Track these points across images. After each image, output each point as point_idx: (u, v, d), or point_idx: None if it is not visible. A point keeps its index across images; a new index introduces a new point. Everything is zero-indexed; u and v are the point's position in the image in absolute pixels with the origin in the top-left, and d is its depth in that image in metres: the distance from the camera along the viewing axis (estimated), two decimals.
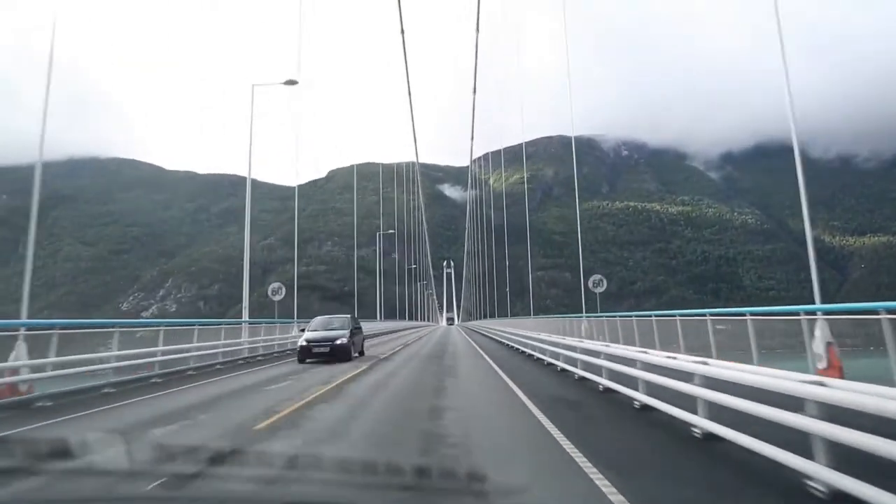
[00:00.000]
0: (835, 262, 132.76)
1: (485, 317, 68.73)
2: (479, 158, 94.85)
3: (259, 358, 21.50)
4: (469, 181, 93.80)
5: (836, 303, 12.56)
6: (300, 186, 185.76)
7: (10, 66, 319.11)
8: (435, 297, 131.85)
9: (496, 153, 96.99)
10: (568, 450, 6.04)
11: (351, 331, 19.81)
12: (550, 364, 15.12)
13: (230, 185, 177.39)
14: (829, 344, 8.38)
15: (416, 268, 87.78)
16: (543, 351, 16.47)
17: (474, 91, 58.49)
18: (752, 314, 9.66)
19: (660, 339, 12.38)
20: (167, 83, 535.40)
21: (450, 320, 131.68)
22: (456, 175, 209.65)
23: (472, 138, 67.01)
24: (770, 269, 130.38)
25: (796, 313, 8.69)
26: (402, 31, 52.20)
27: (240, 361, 20.09)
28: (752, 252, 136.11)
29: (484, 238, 68.39)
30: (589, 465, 5.32)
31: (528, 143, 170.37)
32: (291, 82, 27.82)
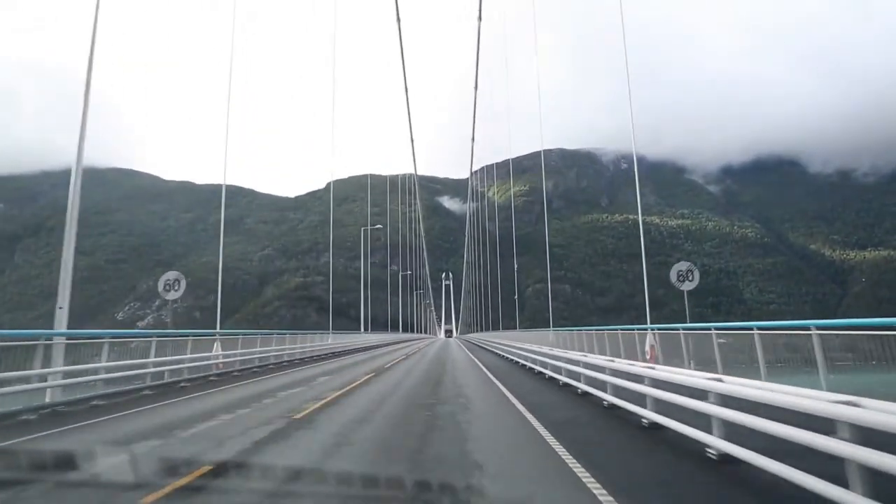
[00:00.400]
0: (835, 276, 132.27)
1: (485, 329, 67.59)
2: (480, 171, 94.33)
3: None
4: (469, 191, 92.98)
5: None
6: (300, 197, 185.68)
7: (9, 77, 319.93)
8: (433, 308, 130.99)
9: (495, 165, 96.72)
10: None
11: None
12: (657, 427, 8.12)
13: (227, 196, 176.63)
14: None
15: (409, 274, 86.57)
16: (600, 385, 11.05)
17: (475, 87, 57.13)
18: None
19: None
20: (166, 93, 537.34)
21: (448, 332, 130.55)
22: (455, 187, 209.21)
23: (473, 139, 65.56)
24: (771, 283, 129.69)
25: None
26: (399, 26, 51.21)
27: None
28: (752, 265, 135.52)
29: (486, 250, 67.50)
30: None
31: (527, 157, 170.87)
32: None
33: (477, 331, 76.71)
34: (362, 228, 57.30)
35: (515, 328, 53.65)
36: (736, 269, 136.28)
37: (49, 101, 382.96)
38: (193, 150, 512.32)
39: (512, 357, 25.61)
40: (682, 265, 20.10)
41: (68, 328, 13.19)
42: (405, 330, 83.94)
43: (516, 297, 48.11)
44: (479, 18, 53.64)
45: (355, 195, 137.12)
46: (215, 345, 19.49)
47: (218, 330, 22.07)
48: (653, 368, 8.69)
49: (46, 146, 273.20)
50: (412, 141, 67.41)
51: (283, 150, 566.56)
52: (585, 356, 13.20)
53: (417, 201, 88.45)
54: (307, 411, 10.46)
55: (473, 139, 67.20)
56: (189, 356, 17.30)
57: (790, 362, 8.48)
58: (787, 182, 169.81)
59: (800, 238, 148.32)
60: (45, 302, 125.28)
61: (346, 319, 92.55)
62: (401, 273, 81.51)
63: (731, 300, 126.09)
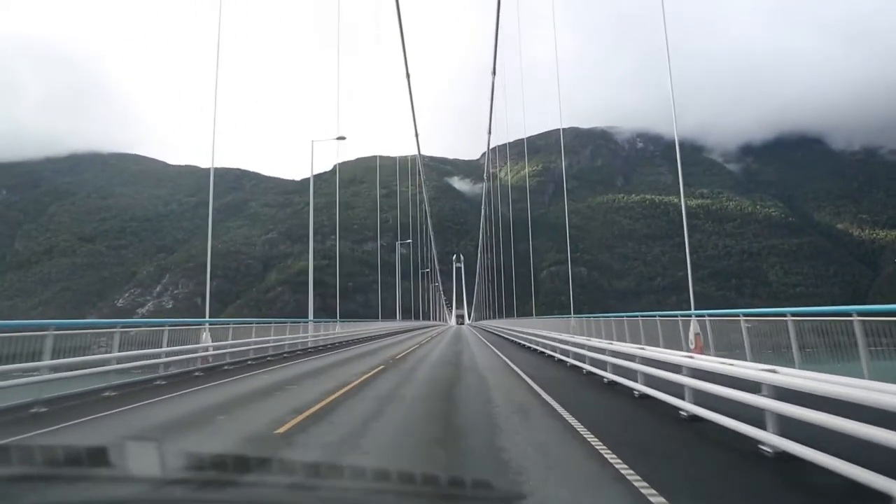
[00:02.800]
0: (865, 256, 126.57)
1: (500, 315, 63.14)
2: (491, 151, 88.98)
3: None
4: (486, 172, 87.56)
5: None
6: (304, 180, 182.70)
7: (11, 62, 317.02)
8: (442, 292, 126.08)
9: (508, 146, 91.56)
10: None
11: None
12: (789, 459, 5.39)
13: (233, 179, 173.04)
14: None
15: (419, 257, 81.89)
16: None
17: (493, 71, 51.63)
18: None
19: None
20: (172, 77, 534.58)
21: (459, 318, 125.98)
22: (465, 168, 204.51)
23: (491, 117, 60.09)
24: (797, 265, 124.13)
25: None
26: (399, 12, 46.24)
27: None
28: (776, 246, 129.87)
29: (498, 232, 62.74)
30: None
31: (540, 136, 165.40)
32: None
33: (490, 317, 72.24)
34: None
35: (532, 314, 49.18)
36: (759, 251, 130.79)
37: (52, 88, 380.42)
38: (199, 133, 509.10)
39: (544, 350, 21.50)
40: None
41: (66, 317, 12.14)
42: (415, 317, 79.46)
43: (532, 280, 43.46)
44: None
45: (363, 177, 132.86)
46: (204, 335, 16.80)
47: (207, 318, 19.80)
48: (774, 373, 5.95)
49: (49, 132, 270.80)
50: (412, 110, 61.96)
51: (289, 133, 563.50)
52: (643, 349, 10.33)
53: (420, 171, 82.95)
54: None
55: (491, 117, 61.65)
56: (166, 349, 14.41)
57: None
58: (810, 160, 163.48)
59: (826, 217, 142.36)
60: (45, 289, 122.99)
61: (354, 304, 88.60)
62: (411, 256, 76.80)
63: (756, 282, 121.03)
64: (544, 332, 22.15)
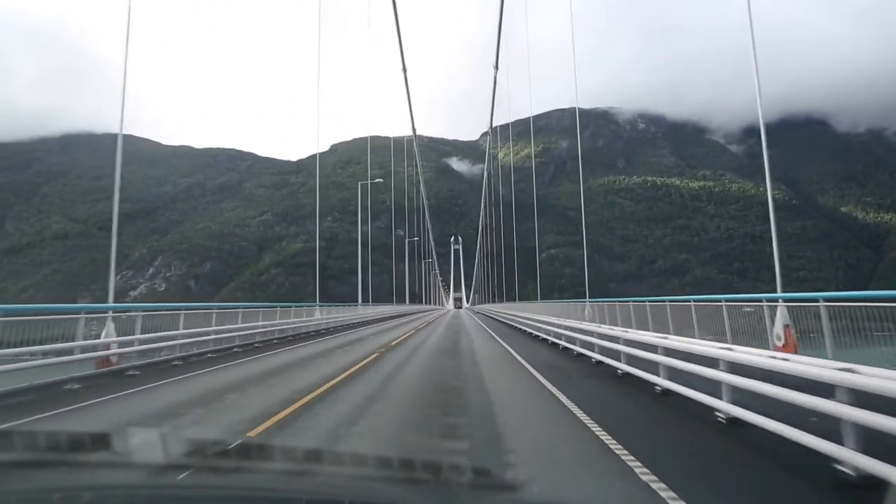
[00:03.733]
0: (869, 240, 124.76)
1: (499, 299, 61.23)
2: (492, 131, 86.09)
3: None
4: (489, 142, 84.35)
5: None
6: (302, 161, 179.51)
7: (3, 40, 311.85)
8: (438, 274, 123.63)
9: (515, 124, 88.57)
10: None
11: None
12: None
13: (228, 160, 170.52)
14: None
15: (416, 239, 79.14)
16: None
17: (497, 45, 48.98)
18: None
19: None
20: (168, 56, 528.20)
21: (457, 301, 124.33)
22: (464, 149, 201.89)
23: (495, 80, 56.79)
24: (800, 248, 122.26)
25: None
26: None
27: None
28: (780, 229, 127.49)
29: (497, 214, 60.62)
30: None
31: (541, 116, 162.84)
32: None
33: (490, 301, 70.36)
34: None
35: (530, 298, 47.15)
36: (762, 234, 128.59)
37: (45, 66, 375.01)
38: (194, 113, 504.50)
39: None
40: None
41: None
42: (412, 301, 77.16)
43: (586, 263, 38.97)
44: None
45: (359, 158, 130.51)
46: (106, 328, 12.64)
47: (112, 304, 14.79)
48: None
49: (44, 112, 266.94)
50: (408, 90, 59.27)
51: (286, 113, 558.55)
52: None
53: (415, 145, 79.95)
54: None
55: (494, 96, 58.86)
56: (24, 350, 9.96)
57: None
58: (814, 142, 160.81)
59: (830, 200, 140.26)
60: (36, 271, 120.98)
61: (349, 287, 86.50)
62: (407, 237, 74.36)
63: (758, 266, 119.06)
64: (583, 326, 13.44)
